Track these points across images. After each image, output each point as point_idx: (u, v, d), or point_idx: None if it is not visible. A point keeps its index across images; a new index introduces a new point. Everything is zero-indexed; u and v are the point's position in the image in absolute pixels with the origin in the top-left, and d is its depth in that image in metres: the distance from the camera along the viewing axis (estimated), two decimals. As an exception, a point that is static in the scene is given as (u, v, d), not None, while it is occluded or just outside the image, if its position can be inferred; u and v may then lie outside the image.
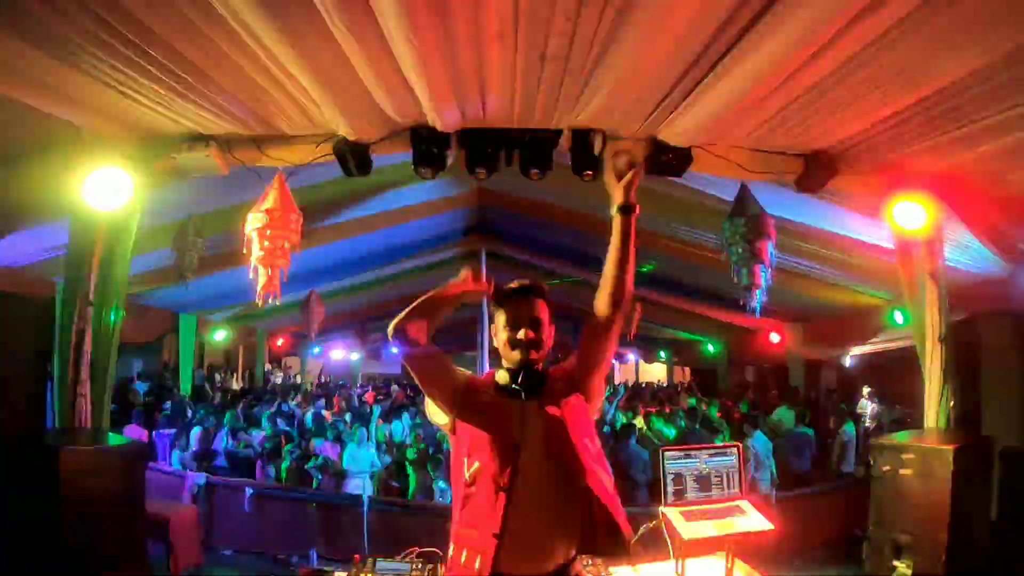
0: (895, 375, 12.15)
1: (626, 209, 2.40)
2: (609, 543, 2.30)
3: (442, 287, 2.47)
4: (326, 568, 3.29)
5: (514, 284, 2.52)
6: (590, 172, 4.11)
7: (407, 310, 2.35)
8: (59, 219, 4.51)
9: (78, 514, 3.31)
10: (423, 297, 2.41)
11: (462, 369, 2.58)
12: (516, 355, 2.42)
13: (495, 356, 2.70)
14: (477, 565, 2.20)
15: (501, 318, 2.49)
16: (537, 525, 2.27)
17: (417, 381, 2.49)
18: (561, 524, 2.28)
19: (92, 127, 3.98)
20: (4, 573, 3.27)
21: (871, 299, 8.18)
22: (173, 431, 9.08)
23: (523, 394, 2.40)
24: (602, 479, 2.33)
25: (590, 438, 2.41)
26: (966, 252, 5.08)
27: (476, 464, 2.32)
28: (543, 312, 2.47)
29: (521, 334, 2.41)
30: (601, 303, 2.42)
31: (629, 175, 2.40)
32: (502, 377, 2.46)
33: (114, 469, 3.54)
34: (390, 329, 2.33)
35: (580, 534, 2.30)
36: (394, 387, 17.12)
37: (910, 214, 4.15)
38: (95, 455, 3.55)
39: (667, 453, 3.60)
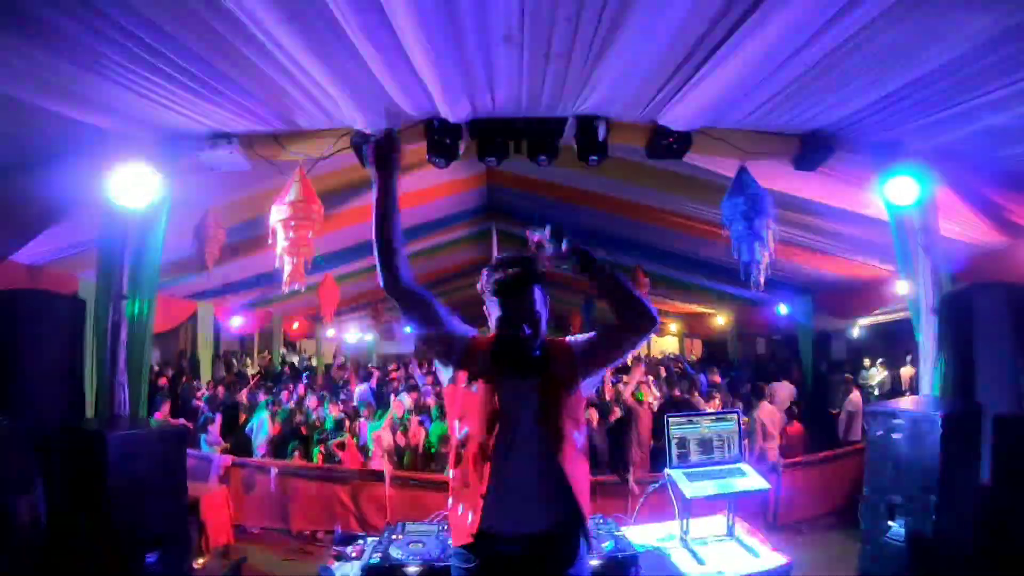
0: (903, 345, 12.26)
1: (582, 268, 2.42)
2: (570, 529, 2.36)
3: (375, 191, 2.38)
4: (358, 534, 3.49)
5: (504, 272, 2.40)
6: (595, 157, 4.25)
7: (380, 249, 2.33)
8: (79, 217, 4.71)
9: (125, 496, 3.45)
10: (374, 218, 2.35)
11: (467, 327, 2.54)
12: (511, 350, 2.42)
13: None
14: (469, 520, 2.30)
15: (496, 310, 2.42)
16: (518, 492, 2.30)
17: (409, 321, 2.46)
18: (544, 495, 2.31)
19: (118, 130, 4.12)
20: (56, 556, 3.44)
21: (877, 270, 8.17)
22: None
23: (520, 364, 2.41)
24: (577, 469, 2.36)
25: (578, 428, 2.43)
26: (963, 225, 5.15)
27: (466, 430, 2.38)
28: (540, 300, 2.41)
29: (519, 330, 2.37)
30: (623, 323, 2.42)
31: (565, 245, 2.41)
32: (499, 347, 2.45)
33: (157, 452, 3.68)
34: (382, 283, 2.35)
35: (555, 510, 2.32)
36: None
37: (903, 189, 4.24)
38: (139, 439, 3.67)
39: (671, 419, 3.81)
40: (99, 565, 3.35)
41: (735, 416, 3.90)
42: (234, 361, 17.44)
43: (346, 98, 3.74)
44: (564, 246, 2.42)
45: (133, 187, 4.01)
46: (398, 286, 2.37)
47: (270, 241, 4.40)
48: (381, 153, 2.39)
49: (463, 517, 2.34)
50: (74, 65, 3.25)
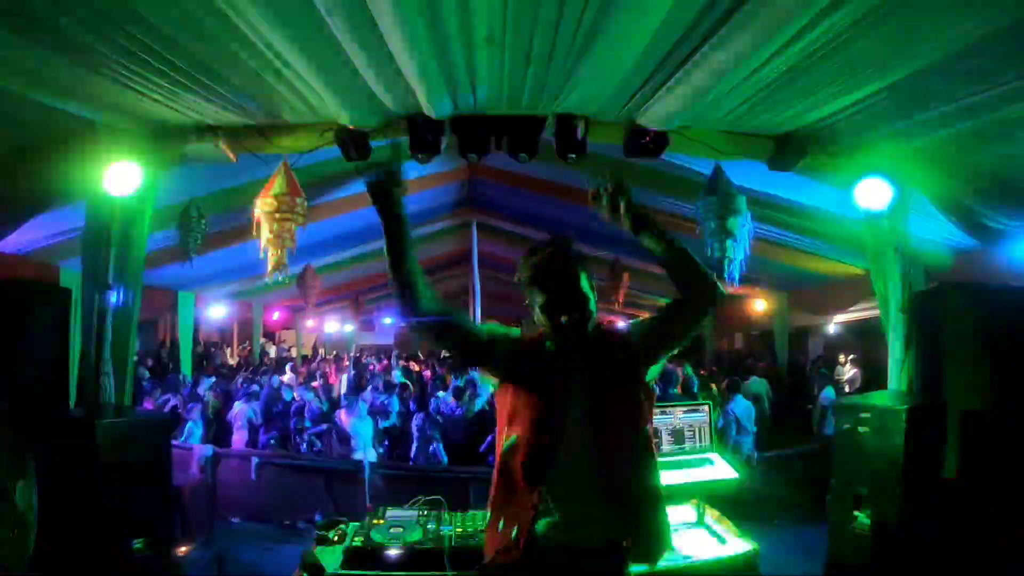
0: (879, 342, 12.44)
1: (638, 226, 2.26)
2: (639, 548, 2.19)
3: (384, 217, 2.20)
4: (340, 519, 3.54)
5: (541, 256, 2.27)
6: (573, 155, 4.28)
7: (395, 288, 2.17)
8: (62, 206, 4.72)
9: (114, 482, 3.50)
10: (388, 251, 2.18)
11: (506, 329, 2.38)
12: (560, 338, 2.25)
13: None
14: (514, 535, 2.11)
15: (538, 299, 2.25)
16: (577, 499, 2.12)
17: (444, 352, 2.36)
18: (605, 502, 2.12)
19: (106, 121, 4.14)
20: (48, 541, 3.45)
21: (852, 268, 8.30)
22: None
23: (571, 361, 2.22)
24: (639, 474, 2.19)
25: (638, 428, 2.22)
26: (935, 227, 5.25)
27: (513, 437, 2.19)
28: (585, 281, 2.24)
29: (565, 319, 2.20)
30: (686, 299, 2.27)
31: (622, 205, 2.25)
32: (549, 340, 2.28)
33: (144, 439, 3.75)
34: (404, 319, 2.19)
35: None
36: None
37: (874, 192, 4.29)
38: (128, 427, 3.74)
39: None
40: (87, 551, 3.38)
41: (707, 407, 4.01)
42: (213, 351, 17.38)
43: (331, 94, 3.77)
44: (621, 204, 2.26)
45: (118, 178, 4.03)
46: (417, 322, 2.18)
47: (255, 233, 4.47)
48: (379, 190, 2.19)
49: (506, 532, 2.14)
50: (59, 56, 3.26)
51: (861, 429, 3.97)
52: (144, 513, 3.70)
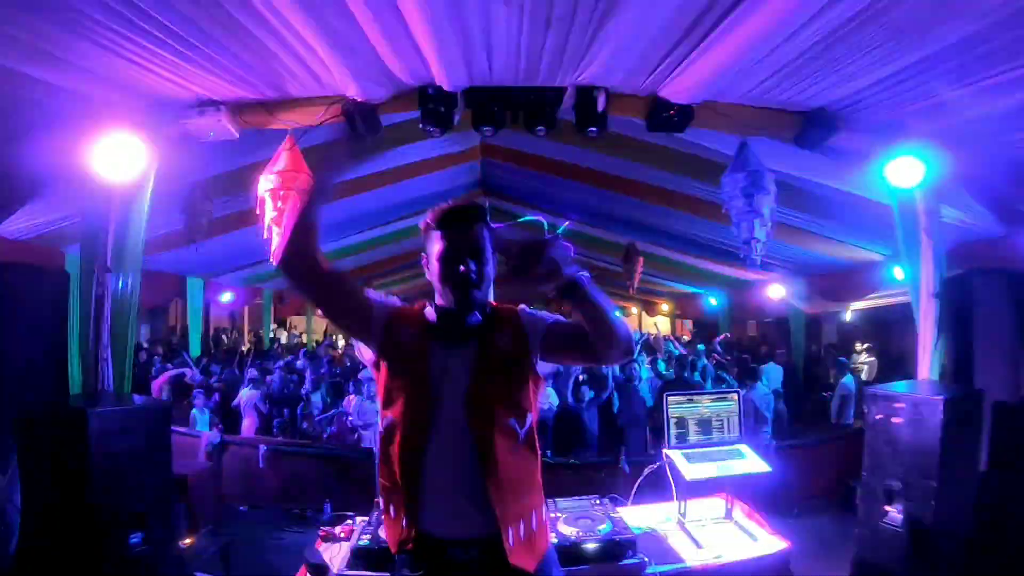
0: (893, 330, 12.28)
1: (564, 293, 1.93)
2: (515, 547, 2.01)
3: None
4: (347, 514, 3.40)
5: (450, 204, 2.13)
6: (594, 129, 4.14)
7: (288, 238, 2.00)
8: (64, 190, 4.58)
9: (106, 474, 3.37)
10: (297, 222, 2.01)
11: (393, 298, 2.24)
12: (450, 293, 2.07)
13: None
14: (404, 524, 2.03)
15: (435, 247, 2.08)
16: (451, 491, 2.00)
17: (321, 311, 2.19)
18: (472, 494, 1.99)
19: (102, 96, 3.97)
20: (38, 535, 3.36)
21: (870, 255, 8.14)
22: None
23: (451, 337, 2.09)
24: (511, 462, 2.03)
25: (516, 413, 2.07)
26: (965, 211, 5.10)
27: (389, 418, 2.07)
28: (487, 242, 2.10)
29: (459, 268, 2.03)
30: (593, 347, 1.98)
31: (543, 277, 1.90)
32: (431, 312, 2.14)
33: (140, 429, 3.59)
34: (276, 262, 2.07)
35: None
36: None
37: (906, 171, 4.15)
38: (121, 416, 3.58)
39: (670, 397, 3.74)
40: (79, 545, 3.27)
41: (735, 396, 3.83)
42: (223, 337, 17.34)
43: (339, 63, 3.61)
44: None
45: (117, 156, 3.87)
46: (301, 272, 2.00)
47: (257, 212, 4.30)
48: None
49: (397, 521, 2.06)
50: (52, 24, 3.09)
51: (894, 420, 3.78)
52: (142, 506, 3.55)
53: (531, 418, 2.11)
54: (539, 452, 2.16)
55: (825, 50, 3.40)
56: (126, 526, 3.45)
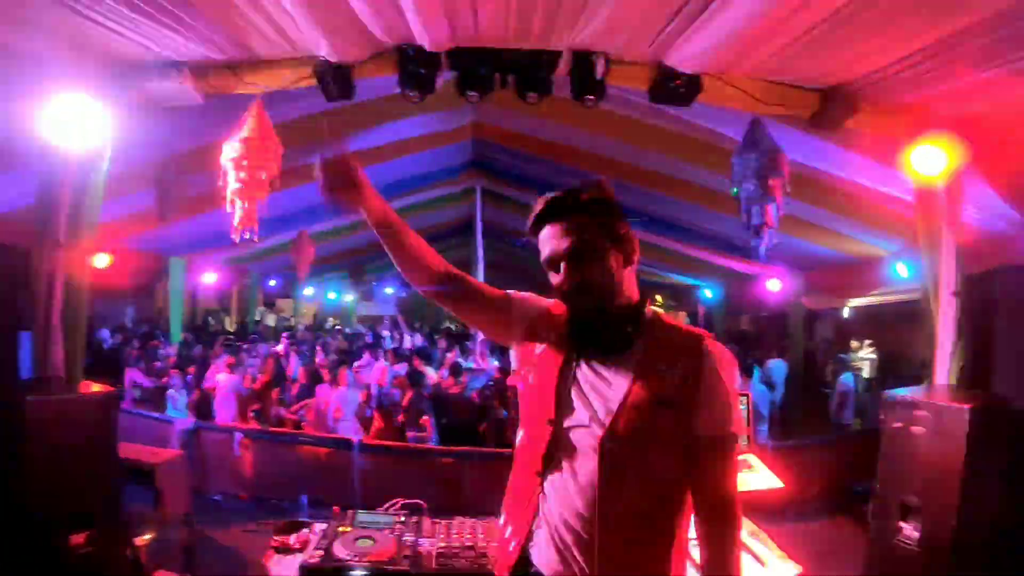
0: (893, 328, 12.08)
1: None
2: None
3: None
4: (305, 520, 3.10)
5: (539, 204, 1.74)
6: (592, 97, 3.89)
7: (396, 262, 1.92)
8: (27, 163, 4.21)
9: (46, 467, 3.14)
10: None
11: (539, 299, 1.95)
12: (570, 309, 1.77)
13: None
14: (511, 547, 1.77)
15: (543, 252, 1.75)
16: (564, 525, 1.66)
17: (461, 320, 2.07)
18: (588, 537, 1.63)
19: (55, 56, 3.69)
20: None
21: (874, 250, 8.00)
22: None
23: (578, 353, 1.75)
24: (646, 515, 1.66)
25: (666, 455, 1.65)
26: (982, 208, 4.88)
27: (521, 433, 1.84)
28: (587, 232, 1.67)
29: (558, 279, 1.71)
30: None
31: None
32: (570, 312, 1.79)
33: (84, 418, 3.36)
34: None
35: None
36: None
37: (930, 159, 3.92)
38: (62, 404, 3.37)
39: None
40: (10, 549, 3.00)
41: (744, 398, 3.46)
42: (210, 319, 17.11)
43: (308, 18, 3.32)
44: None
45: (72, 123, 3.58)
46: (429, 287, 1.92)
47: (220, 183, 4.00)
48: (333, 174, 1.76)
49: (507, 542, 1.80)
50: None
51: (914, 429, 3.46)
52: (87, 503, 3.30)
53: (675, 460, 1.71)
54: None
55: (844, 21, 3.15)
56: (67, 527, 3.19)
